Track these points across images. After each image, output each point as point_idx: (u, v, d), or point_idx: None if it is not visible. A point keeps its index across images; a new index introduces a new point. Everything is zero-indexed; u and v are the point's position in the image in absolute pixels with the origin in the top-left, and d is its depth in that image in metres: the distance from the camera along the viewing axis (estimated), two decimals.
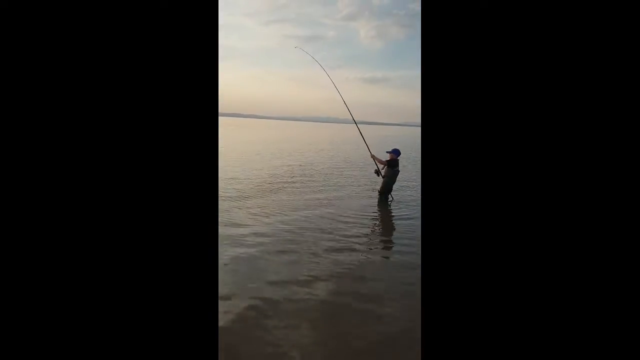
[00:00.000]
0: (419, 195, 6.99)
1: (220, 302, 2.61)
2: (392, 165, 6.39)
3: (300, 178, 8.51)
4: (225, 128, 41.35)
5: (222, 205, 5.43)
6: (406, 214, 5.67)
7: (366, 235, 4.54)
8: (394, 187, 6.69)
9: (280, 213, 5.26)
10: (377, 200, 6.52)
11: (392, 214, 5.73)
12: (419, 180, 7.41)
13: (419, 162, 11.79)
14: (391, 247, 4.18)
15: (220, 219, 4.75)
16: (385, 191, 6.54)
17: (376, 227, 4.98)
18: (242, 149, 15.89)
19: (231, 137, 25.20)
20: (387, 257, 3.82)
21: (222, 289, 2.82)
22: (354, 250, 3.93)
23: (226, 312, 2.53)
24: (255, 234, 4.25)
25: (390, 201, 6.44)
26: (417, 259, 3.62)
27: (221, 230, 4.25)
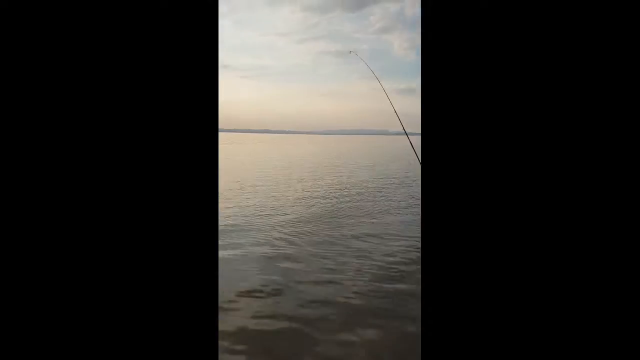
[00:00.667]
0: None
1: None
2: None
3: (342, 200, 7.83)
4: (257, 144, 42.45)
5: (255, 235, 4.98)
6: None
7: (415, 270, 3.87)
8: None
9: (318, 244, 4.73)
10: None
11: None
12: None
13: None
14: None
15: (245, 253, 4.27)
16: None
17: None
18: (279, 163, 15.81)
19: (268, 152, 25.43)
20: None
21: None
22: (403, 293, 3.31)
23: None
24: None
25: None
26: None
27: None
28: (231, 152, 25.12)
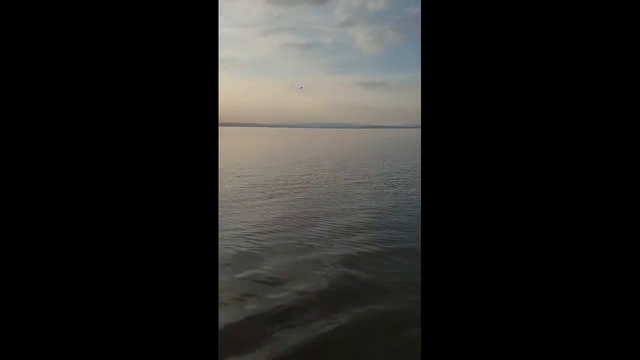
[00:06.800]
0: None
1: None
2: None
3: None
4: (233, 137, 42.03)
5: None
6: None
7: None
8: None
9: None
10: None
11: None
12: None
13: None
14: None
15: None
16: None
17: None
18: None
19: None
20: None
21: None
22: None
23: None
24: None
25: None
26: None
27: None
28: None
